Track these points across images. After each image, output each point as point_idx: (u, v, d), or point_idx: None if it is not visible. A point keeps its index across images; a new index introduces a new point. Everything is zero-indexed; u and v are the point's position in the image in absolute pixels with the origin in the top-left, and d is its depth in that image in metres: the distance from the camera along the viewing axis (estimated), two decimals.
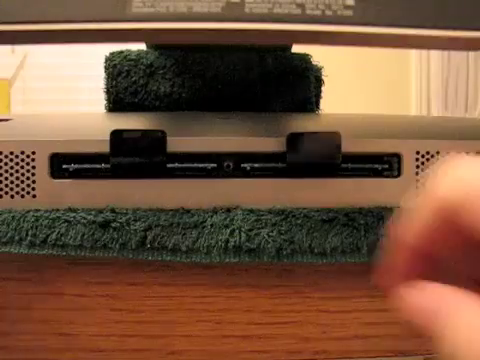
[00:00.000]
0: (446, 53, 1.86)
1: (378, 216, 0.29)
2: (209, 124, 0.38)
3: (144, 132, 0.29)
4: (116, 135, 0.28)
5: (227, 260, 0.28)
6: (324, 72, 0.52)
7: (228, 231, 0.28)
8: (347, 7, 0.19)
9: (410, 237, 0.17)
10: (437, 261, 0.17)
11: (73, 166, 0.30)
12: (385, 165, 0.30)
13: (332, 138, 0.29)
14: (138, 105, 0.48)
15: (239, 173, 0.28)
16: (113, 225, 0.28)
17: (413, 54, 1.92)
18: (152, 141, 0.29)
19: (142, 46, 0.51)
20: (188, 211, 0.29)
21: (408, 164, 0.30)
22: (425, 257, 0.17)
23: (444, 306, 0.16)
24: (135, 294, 0.30)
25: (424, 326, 0.16)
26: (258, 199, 0.30)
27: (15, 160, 0.29)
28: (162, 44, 0.46)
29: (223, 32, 0.19)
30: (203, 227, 0.28)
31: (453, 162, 0.16)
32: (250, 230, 0.28)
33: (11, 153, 0.29)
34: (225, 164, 0.30)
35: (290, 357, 0.30)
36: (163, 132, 0.29)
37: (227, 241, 0.28)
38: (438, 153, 0.30)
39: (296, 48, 0.49)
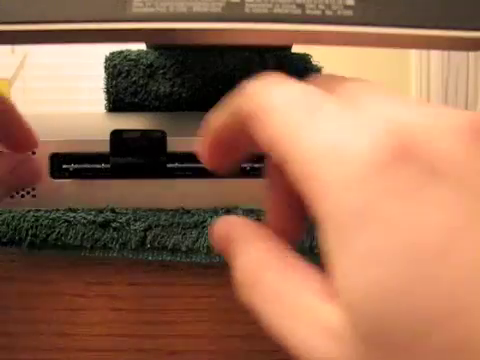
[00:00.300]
0: (446, 53, 1.86)
1: None
2: None
3: (144, 132, 0.29)
4: (116, 135, 0.28)
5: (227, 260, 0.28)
6: (324, 72, 0.52)
7: None
8: (347, 7, 0.19)
9: (214, 127, 0.20)
10: (226, 145, 0.20)
11: (73, 166, 0.30)
12: None
13: None
14: (138, 105, 0.48)
15: (239, 173, 0.28)
16: (113, 225, 0.28)
17: (413, 54, 1.92)
18: (152, 141, 0.29)
19: (142, 46, 0.51)
20: (188, 211, 0.29)
21: None
22: (221, 143, 0.20)
23: (235, 235, 0.19)
24: (135, 294, 0.30)
25: (222, 252, 0.20)
26: (258, 199, 0.30)
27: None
28: (162, 44, 0.46)
29: (223, 32, 0.19)
30: (203, 227, 0.28)
31: (268, 78, 0.17)
32: None
33: None
34: None
35: (290, 357, 0.30)
36: (163, 132, 0.29)
37: None
38: None
39: (296, 48, 0.49)
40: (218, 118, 0.20)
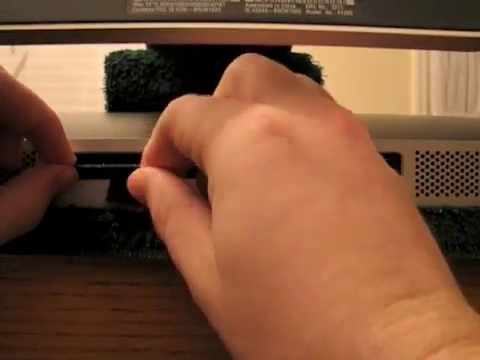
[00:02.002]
0: (446, 53, 1.86)
1: None
2: None
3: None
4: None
5: None
6: (324, 72, 0.52)
7: None
8: (347, 7, 0.19)
9: (146, 152, 0.25)
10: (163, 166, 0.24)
11: None
12: None
13: None
14: (138, 105, 0.48)
15: None
16: (113, 225, 0.28)
17: (413, 54, 1.92)
18: None
19: (142, 46, 0.51)
20: None
21: (408, 164, 0.30)
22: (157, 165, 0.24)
23: (149, 184, 0.24)
24: (135, 294, 0.30)
25: (139, 198, 0.25)
26: None
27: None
28: (162, 44, 0.46)
29: (223, 32, 0.19)
30: None
31: (183, 96, 0.22)
32: None
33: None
34: None
35: None
36: None
37: None
38: (438, 153, 0.30)
39: (296, 48, 0.48)
40: (149, 145, 0.24)
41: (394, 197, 0.17)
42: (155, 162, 0.24)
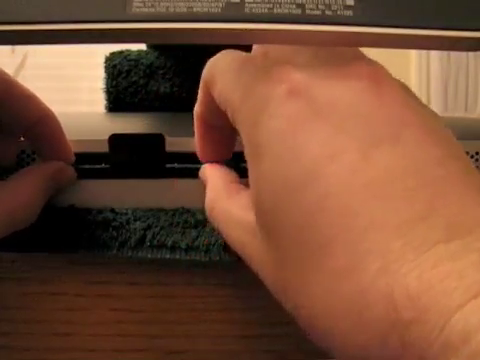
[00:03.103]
0: (446, 53, 1.86)
1: None
2: None
3: (142, 136, 0.29)
4: (115, 140, 0.29)
5: (227, 259, 0.28)
6: None
7: None
8: (347, 7, 0.19)
9: (197, 111, 0.25)
10: (210, 123, 0.25)
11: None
12: None
13: None
14: (138, 105, 0.48)
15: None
16: (113, 224, 0.28)
17: (413, 54, 1.92)
18: (149, 146, 0.29)
19: (142, 46, 0.51)
20: (188, 211, 0.29)
21: None
22: (205, 122, 0.26)
23: (206, 178, 0.27)
24: (135, 294, 0.30)
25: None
26: None
27: (15, 160, 0.29)
28: (162, 44, 0.46)
29: (223, 32, 0.19)
30: (203, 227, 0.29)
31: (222, 52, 0.23)
32: None
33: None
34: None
35: (290, 357, 0.30)
36: (161, 135, 0.29)
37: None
38: None
39: None
40: (198, 100, 0.25)
41: (430, 140, 0.17)
42: (204, 119, 0.25)
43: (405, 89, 0.19)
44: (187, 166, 0.30)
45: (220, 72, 0.22)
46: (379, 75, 0.18)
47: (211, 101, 0.23)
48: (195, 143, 0.27)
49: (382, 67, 0.19)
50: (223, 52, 0.23)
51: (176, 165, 0.30)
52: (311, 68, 0.19)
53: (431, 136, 0.17)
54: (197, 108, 0.25)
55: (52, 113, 0.28)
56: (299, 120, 0.17)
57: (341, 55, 0.20)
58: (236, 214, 0.22)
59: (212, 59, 0.23)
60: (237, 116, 0.20)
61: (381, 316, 0.15)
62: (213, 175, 0.26)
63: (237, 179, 0.26)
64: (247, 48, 0.23)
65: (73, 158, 0.29)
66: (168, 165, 0.30)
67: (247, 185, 0.23)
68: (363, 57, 0.20)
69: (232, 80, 0.21)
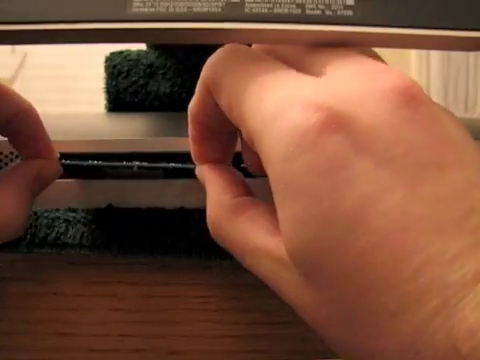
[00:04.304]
0: (446, 53, 1.86)
1: None
2: None
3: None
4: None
5: (227, 259, 0.28)
6: None
7: None
8: (347, 7, 0.19)
9: (193, 110, 0.22)
10: (208, 126, 0.23)
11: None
12: None
13: None
14: (138, 105, 0.48)
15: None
16: (113, 224, 0.28)
17: (413, 54, 1.92)
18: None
19: (142, 46, 0.51)
20: (188, 211, 0.29)
21: None
22: (202, 125, 0.23)
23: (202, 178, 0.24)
24: (135, 294, 0.30)
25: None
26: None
27: (15, 160, 0.29)
28: (162, 44, 0.46)
29: (223, 32, 0.19)
30: (204, 227, 0.28)
31: (226, 48, 0.20)
32: None
33: (11, 153, 0.29)
34: None
35: (290, 357, 0.30)
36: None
37: None
38: None
39: None
40: (194, 99, 0.22)
41: (467, 161, 0.16)
42: (200, 121, 0.23)
43: (436, 104, 0.18)
44: (187, 166, 0.30)
45: (229, 76, 0.19)
46: (413, 90, 0.17)
47: (211, 104, 0.21)
48: (190, 146, 0.24)
49: (410, 78, 0.17)
50: (229, 49, 0.20)
51: (176, 165, 0.30)
52: (340, 86, 0.17)
53: (467, 157, 0.17)
54: (193, 107, 0.22)
55: (30, 106, 0.26)
56: (340, 156, 0.16)
57: (363, 64, 0.18)
58: (259, 242, 0.19)
59: (215, 56, 0.20)
60: (258, 141, 0.18)
61: (440, 353, 0.14)
62: (214, 182, 0.23)
63: (242, 184, 0.23)
64: None
65: (56, 154, 0.27)
66: (168, 165, 0.30)
67: (253, 186, 0.23)
68: (387, 66, 0.18)
69: (247, 92, 0.18)
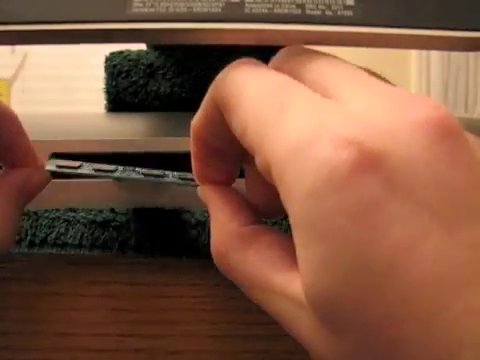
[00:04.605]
0: (446, 53, 1.86)
1: None
2: None
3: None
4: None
5: None
6: None
7: None
8: (347, 7, 0.19)
9: (196, 127, 0.20)
10: (212, 145, 0.21)
11: None
12: None
13: None
14: (138, 105, 0.48)
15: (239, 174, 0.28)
16: (113, 224, 0.28)
17: (413, 54, 1.92)
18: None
19: (142, 46, 0.51)
20: (188, 211, 0.29)
21: None
22: (205, 143, 0.21)
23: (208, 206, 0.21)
24: (135, 294, 0.30)
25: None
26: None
27: None
28: (162, 44, 0.46)
29: (223, 32, 0.19)
30: (203, 227, 0.29)
31: (241, 65, 0.18)
32: None
33: None
34: None
35: (290, 357, 0.30)
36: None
37: None
38: None
39: None
40: (198, 115, 0.20)
41: None
42: (203, 137, 0.21)
43: (472, 135, 0.17)
44: (187, 166, 0.30)
45: (247, 98, 0.17)
46: (449, 122, 0.15)
47: (218, 123, 0.19)
48: (192, 163, 0.22)
49: (444, 108, 0.16)
50: (244, 66, 0.19)
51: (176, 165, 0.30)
52: (371, 117, 0.16)
53: None
54: (196, 124, 0.21)
55: (10, 111, 0.24)
56: (372, 198, 0.15)
57: (394, 92, 0.17)
58: (272, 278, 0.18)
59: (229, 72, 0.19)
60: (280, 172, 0.16)
61: None
62: (219, 207, 0.21)
63: (249, 209, 0.21)
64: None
65: (41, 161, 0.25)
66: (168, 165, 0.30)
67: (245, 185, 0.22)
68: (420, 96, 0.17)
69: (269, 115, 0.17)
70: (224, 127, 0.19)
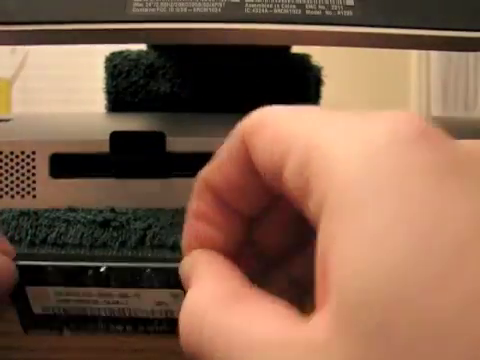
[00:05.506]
0: (446, 53, 1.86)
1: None
2: (209, 124, 0.38)
3: (143, 133, 0.29)
4: (115, 136, 0.29)
5: None
6: (324, 72, 0.51)
7: None
8: (347, 7, 0.19)
9: (208, 174, 0.18)
10: (222, 197, 0.18)
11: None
12: None
13: None
14: (138, 105, 0.48)
15: None
16: (113, 224, 0.28)
17: (413, 54, 1.92)
18: (151, 142, 0.29)
19: (142, 46, 0.51)
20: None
21: None
22: (215, 194, 0.18)
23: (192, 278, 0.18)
24: None
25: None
26: None
27: (15, 160, 0.29)
28: (162, 44, 0.46)
29: (223, 32, 0.19)
30: None
31: (261, 111, 0.16)
32: None
33: (11, 153, 0.29)
34: None
35: None
36: (162, 133, 0.29)
37: None
38: None
39: (296, 48, 0.48)
40: (215, 164, 0.18)
41: None
42: (214, 185, 0.18)
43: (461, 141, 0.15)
44: (187, 166, 0.30)
45: (281, 118, 0.15)
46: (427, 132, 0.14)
47: (242, 168, 0.17)
48: (183, 233, 0.20)
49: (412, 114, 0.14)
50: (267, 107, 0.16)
51: (176, 165, 0.30)
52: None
53: None
54: (209, 172, 0.18)
55: None
56: (444, 167, 0.12)
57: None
58: (279, 334, 0.13)
59: (261, 110, 0.16)
60: (313, 165, 0.13)
61: None
62: (205, 275, 0.17)
63: (240, 280, 0.17)
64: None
65: (13, 252, 0.23)
66: (168, 165, 0.30)
67: None
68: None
69: (315, 125, 0.14)
70: (247, 174, 0.17)
